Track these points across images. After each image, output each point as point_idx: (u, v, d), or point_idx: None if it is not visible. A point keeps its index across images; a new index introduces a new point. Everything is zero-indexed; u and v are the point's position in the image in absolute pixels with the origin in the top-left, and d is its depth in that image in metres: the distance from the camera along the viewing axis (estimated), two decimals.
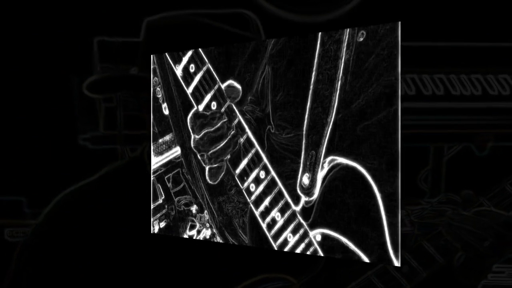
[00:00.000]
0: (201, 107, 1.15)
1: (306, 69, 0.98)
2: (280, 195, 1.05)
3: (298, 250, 1.04)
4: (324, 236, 1.00)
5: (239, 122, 1.10)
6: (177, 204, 1.23)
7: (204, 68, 1.15)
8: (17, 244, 1.36)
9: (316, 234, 1.01)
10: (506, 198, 1.23)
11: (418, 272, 1.23)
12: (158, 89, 1.23)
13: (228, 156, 1.12)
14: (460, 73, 1.62)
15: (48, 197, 1.34)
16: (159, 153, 1.25)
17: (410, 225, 1.31)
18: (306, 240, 1.03)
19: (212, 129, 1.12)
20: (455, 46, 1.63)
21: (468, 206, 1.23)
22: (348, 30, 0.93)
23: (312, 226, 1.01)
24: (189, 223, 1.21)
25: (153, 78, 1.23)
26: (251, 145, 1.09)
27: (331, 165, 0.97)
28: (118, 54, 1.67)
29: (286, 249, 1.06)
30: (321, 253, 1.01)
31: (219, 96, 1.13)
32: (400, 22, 0.85)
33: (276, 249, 1.07)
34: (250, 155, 1.09)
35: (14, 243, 1.78)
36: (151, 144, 1.25)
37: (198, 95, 1.16)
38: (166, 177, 1.25)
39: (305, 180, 1.01)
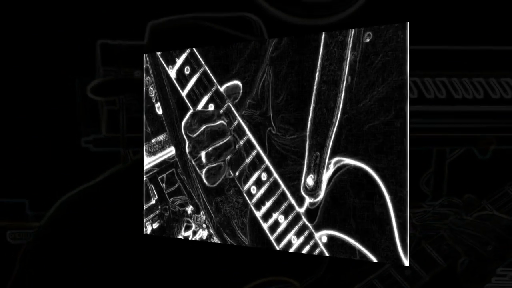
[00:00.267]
0: (198, 109, 1.14)
1: (310, 70, 0.99)
2: (283, 197, 1.05)
3: (303, 252, 1.04)
4: (331, 238, 0.99)
5: (239, 124, 1.09)
6: (172, 205, 1.22)
7: (201, 70, 1.15)
8: (19, 247, 1.36)
9: (322, 236, 1.01)
10: (508, 202, 1.23)
11: (420, 276, 1.23)
12: (151, 88, 1.23)
13: (228, 157, 1.11)
14: (462, 76, 1.62)
15: (51, 199, 1.34)
16: (151, 153, 1.24)
17: (412, 228, 1.31)
18: (311, 242, 1.02)
19: (212, 124, 1.12)
20: (457, 50, 1.63)
21: (470, 210, 1.23)
22: (353, 31, 0.93)
23: (318, 228, 1.01)
24: (185, 224, 1.21)
25: (145, 77, 1.23)
26: (252, 147, 1.08)
27: (337, 166, 0.97)
28: (121, 57, 1.67)
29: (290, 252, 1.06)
30: (327, 255, 1.00)
31: (216, 98, 1.13)
32: (408, 23, 0.85)
33: (277, 250, 1.07)
34: (250, 157, 1.09)
35: (16, 245, 1.77)
36: (143, 144, 1.24)
37: (194, 97, 1.15)
38: (160, 177, 1.24)
39: (310, 181, 1.01)
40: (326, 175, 0.98)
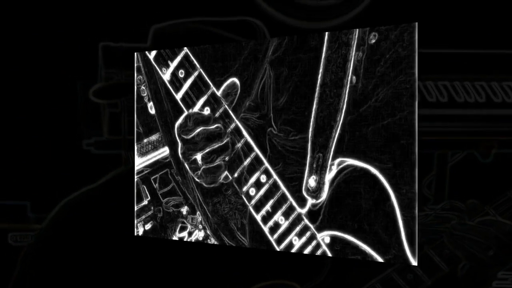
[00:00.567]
0: (194, 111, 1.14)
1: (312, 72, 0.98)
2: (283, 198, 1.05)
3: (305, 253, 1.04)
4: (334, 238, 0.99)
5: (236, 127, 1.09)
6: (165, 206, 1.22)
7: (196, 73, 1.14)
8: (20, 249, 1.35)
9: (324, 236, 1.00)
10: (511, 208, 1.23)
11: (422, 280, 1.23)
12: (143, 87, 1.22)
13: (226, 159, 1.11)
14: (464, 80, 1.62)
15: (52, 201, 1.34)
16: (143, 153, 1.23)
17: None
18: (314, 243, 1.02)
19: (208, 127, 1.11)
20: (459, 53, 1.63)
21: (473, 215, 1.23)
22: (357, 32, 0.93)
23: (320, 229, 1.01)
24: (179, 225, 1.20)
25: (137, 76, 1.22)
26: (250, 149, 1.08)
27: (340, 167, 0.97)
28: (123, 60, 1.67)
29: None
30: (330, 255, 1.00)
31: (212, 101, 1.12)
32: (417, 23, 0.85)
33: (277, 250, 1.07)
34: (249, 159, 1.08)
35: (17, 247, 1.77)
36: (135, 144, 1.23)
37: (189, 100, 1.15)
38: (153, 177, 1.23)
39: (312, 182, 1.01)
40: (328, 176, 0.98)
